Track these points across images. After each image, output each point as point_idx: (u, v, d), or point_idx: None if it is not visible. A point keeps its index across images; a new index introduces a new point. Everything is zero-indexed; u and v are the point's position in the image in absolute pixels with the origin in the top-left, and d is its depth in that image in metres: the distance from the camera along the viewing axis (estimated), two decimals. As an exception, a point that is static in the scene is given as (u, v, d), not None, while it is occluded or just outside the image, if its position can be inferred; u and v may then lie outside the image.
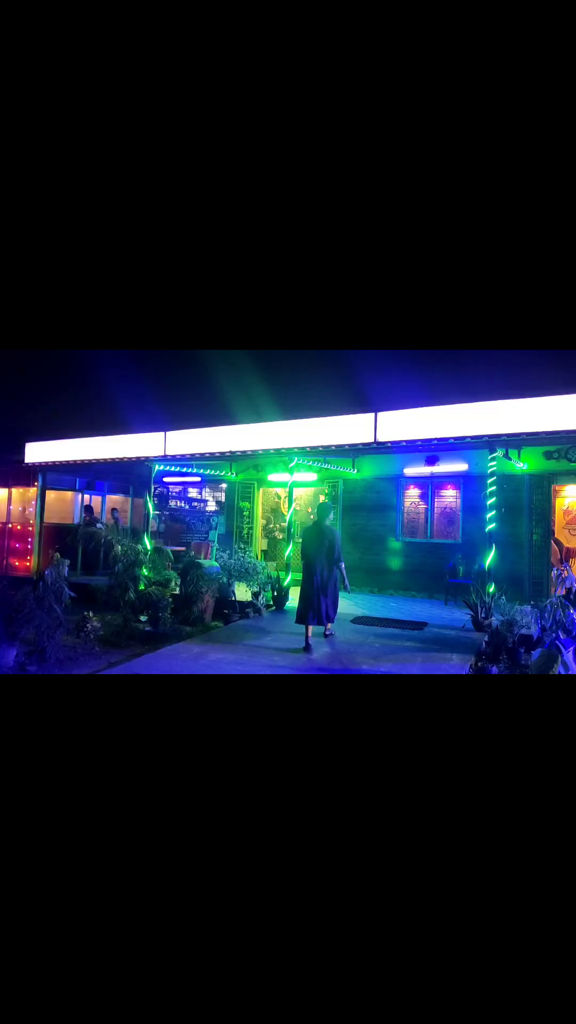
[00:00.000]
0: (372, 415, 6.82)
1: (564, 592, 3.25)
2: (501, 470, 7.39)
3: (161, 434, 8.58)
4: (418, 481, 9.10)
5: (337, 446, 7.18)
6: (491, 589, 6.36)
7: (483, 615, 6.16)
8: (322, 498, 9.21)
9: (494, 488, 6.70)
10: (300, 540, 5.95)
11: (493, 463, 6.72)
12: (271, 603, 7.49)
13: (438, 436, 6.45)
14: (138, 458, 8.90)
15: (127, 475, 11.14)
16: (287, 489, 8.63)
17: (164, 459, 8.78)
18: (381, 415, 6.77)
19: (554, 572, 3.66)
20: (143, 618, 6.96)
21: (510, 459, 7.71)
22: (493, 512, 6.66)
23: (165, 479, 11.30)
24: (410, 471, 9.07)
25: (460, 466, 8.63)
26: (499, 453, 6.80)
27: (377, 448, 7.12)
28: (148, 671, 4.89)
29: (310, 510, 10.56)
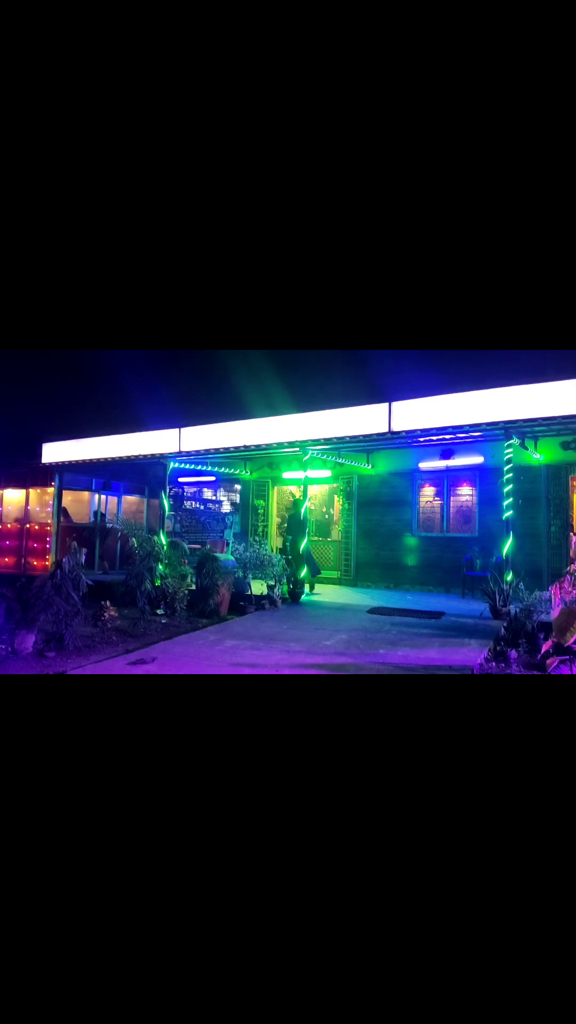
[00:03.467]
0: (386, 405, 6.82)
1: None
2: (517, 461, 7.31)
3: (176, 430, 8.67)
4: (433, 475, 9.04)
5: (351, 437, 7.18)
6: (509, 577, 6.27)
7: (501, 603, 6.07)
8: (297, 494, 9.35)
9: (511, 476, 6.63)
10: (286, 524, 8.29)
11: (509, 452, 6.65)
12: (287, 596, 7.47)
13: (453, 424, 6.41)
14: (153, 455, 9.01)
15: (143, 475, 11.26)
16: (301, 487, 8.64)
17: (179, 456, 8.86)
18: (395, 404, 6.77)
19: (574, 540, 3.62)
20: (159, 611, 6.99)
21: (527, 449, 7.63)
22: (510, 500, 6.59)
23: (180, 479, 11.39)
24: (425, 465, 9.03)
25: (476, 459, 8.56)
26: (515, 442, 6.74)
27: (392, 438, 7.10)
28: (164, 655, 4.90)
29: (324, 508, 10.56)
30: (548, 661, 2.80)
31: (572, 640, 2.72)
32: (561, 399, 5.80)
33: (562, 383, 5.78)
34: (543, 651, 2.95)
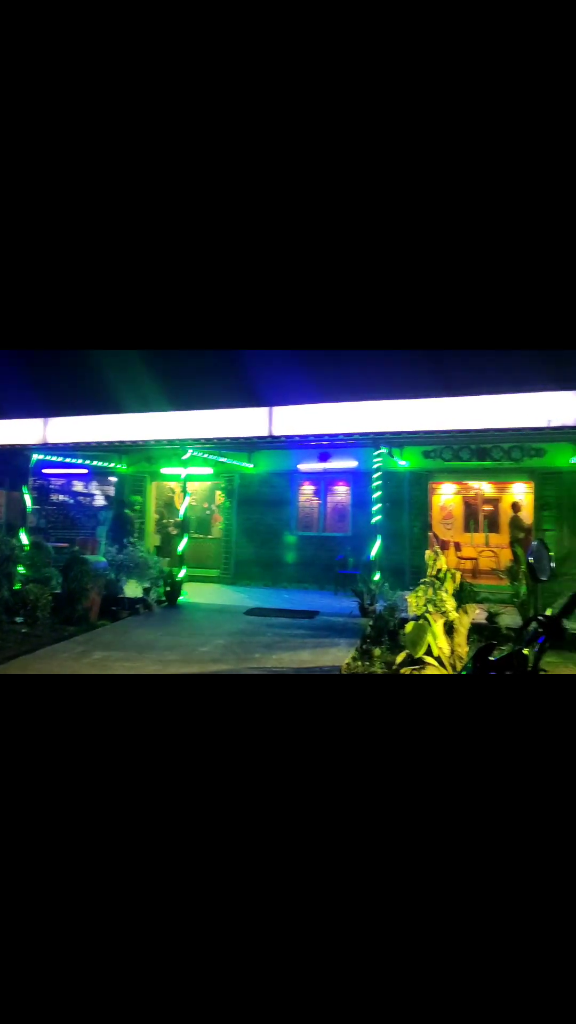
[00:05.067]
0: (267, 409, 6.90)
1: (435, 572, 3.56)
2: (385, 467, 7.88)
3: (40, 420, 7.90)
4: (312, 476, 9.39)
5: (232, 439, 7.15)
6: (376, 578, 6.77)
7: (369, 602, 6.53)
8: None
9: (379, 483, 7.13)
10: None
11: (378, 460, 7.15)
12: (163, 599, 7.26)
13: (329, 432, 6.71)
14: (13, 446, 8.12)
15: (1, 465, 10.10)
16: (181, 483, 8.42)
17: (45, 448, 8.10)
18: (276, 409, 6.88)
19: (428, 552, 4.03)
20: (19, 619, 6.36)
21: (393, 457, 8.26)
22: (379, 505, 7.09)
23: (45, 471, 10.43)
24: (304, 467, 9.33)
25: (350, 463, 9.06)
26: (383, 451, 7.25)
27: (272, 442, 7.21)
28: (22, 672, 4.47)
29: (206, 504, 10.43)
30: (402, 671, 3.09)
31: (423, 652, 3.03)
32: (423, 415, 6.36)
33: (424, 401, 6.33)
34: (399, 662, 3.25)
